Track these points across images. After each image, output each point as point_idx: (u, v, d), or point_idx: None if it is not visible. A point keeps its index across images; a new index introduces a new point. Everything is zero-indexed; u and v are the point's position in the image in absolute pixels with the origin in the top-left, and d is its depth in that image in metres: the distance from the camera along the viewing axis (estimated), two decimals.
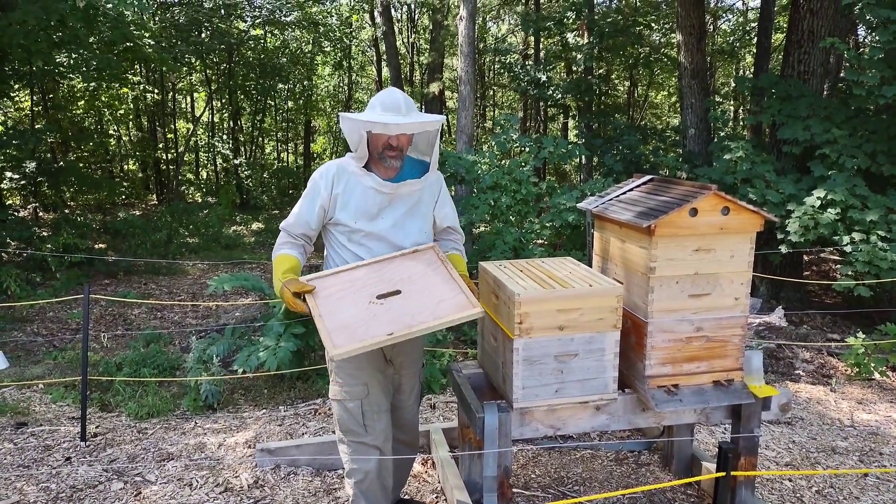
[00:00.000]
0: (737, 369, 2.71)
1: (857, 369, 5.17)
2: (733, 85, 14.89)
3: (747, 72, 16.67)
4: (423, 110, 17.30)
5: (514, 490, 3.16)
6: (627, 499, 3.14)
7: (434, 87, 15.25)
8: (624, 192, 3.02)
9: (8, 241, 8.23)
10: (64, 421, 4.09)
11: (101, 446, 3.69)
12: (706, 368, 2.68)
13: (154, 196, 16.42)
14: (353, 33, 18.90)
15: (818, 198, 6.10)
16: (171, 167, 16.36)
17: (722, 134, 8.54)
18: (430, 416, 4.14)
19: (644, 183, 3.05)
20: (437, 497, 3.13)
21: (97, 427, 3.96)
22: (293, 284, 2.35)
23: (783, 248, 6.31)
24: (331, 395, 2.58)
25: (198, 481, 3.28)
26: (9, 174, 10.67)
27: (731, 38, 16.67)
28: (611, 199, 3.00)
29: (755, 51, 11.45)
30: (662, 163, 8.33)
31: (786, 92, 7.16)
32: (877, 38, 6.08)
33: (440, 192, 2.69)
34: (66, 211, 11.53)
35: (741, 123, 15.00)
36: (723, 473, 2.74)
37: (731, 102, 16.53)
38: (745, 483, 2.81)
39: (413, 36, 19.51)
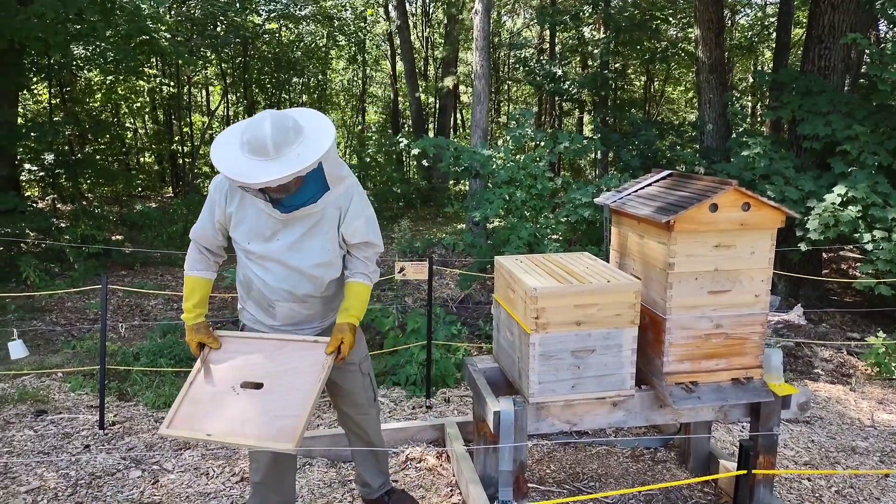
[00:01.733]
0: (756, 367, 2.68)
1: (878, 369, 5.10)
2: (751, 80, 14.73)
3: (766, 67, 16.47)
4: (438, 105, 17.24)
5: (529, 485, 3.15)
6: (643, 496, 3.13)
7: (448, 82, 15.22)
8: (642, 188, 2.99)
9: (27, 231, 8.33)
10: (83, 409, 4.13)
11: (119, 435, 3.73)
12: (725, 366, 2.65)
13: (170, 188, 16.53)
14: (368, 27, 18.89)
15: (839, 195, 6.02)
16: (186, 160, 16.45)
17: (740, 129, 8.45)
18: (445, 410, 4.15)
19: (663, 178, 3.02)
20: (451, 490, 3.13)
21: (115, 416, 4.00)
22: (203, 333, 2.41)
23: (802, 246, 6.23)
24: None
25: (214, 471, 3.31)
26: (28, 166, 10.82)
27: (750, 34, 16.46)
28: (629, 195, 2.98)
29: (774, 46, 11.30)
30: (679, 158, 8.26)
31: (806, 87, 7.06)
32: None
33: (349, 204, 2.36)
34: (84, 202, 11.64)
35: (759, 119, 14.84)
36: (744, 471, 2.72)
37: (749, 98, 16.34)
38: (764, 482, 2.78)
39: (427, 30, 19.45)
